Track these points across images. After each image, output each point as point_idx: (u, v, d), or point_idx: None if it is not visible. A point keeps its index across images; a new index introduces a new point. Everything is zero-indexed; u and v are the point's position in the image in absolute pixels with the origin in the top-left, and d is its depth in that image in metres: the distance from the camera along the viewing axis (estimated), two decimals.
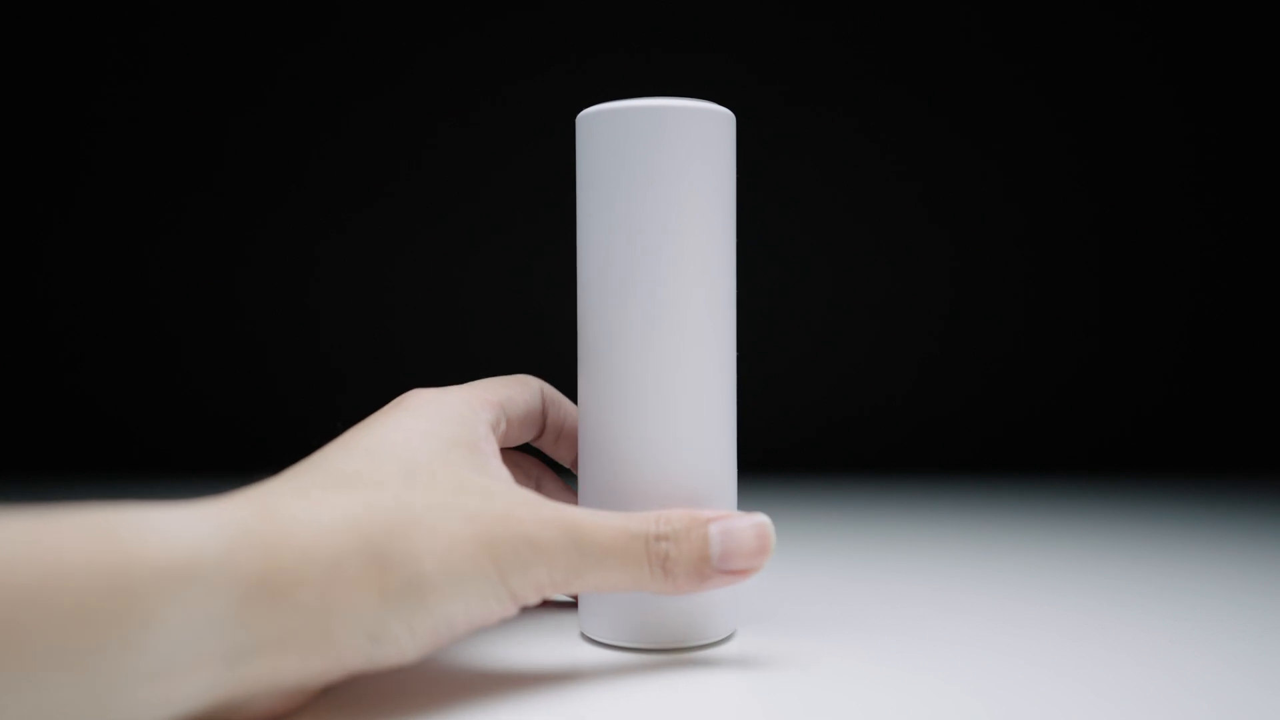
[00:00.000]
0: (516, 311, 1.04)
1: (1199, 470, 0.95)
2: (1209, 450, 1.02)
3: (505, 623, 0.36)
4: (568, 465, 0.36)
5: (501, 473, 0.29)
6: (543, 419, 0.35)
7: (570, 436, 0.36)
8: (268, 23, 1.03)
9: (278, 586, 0.22)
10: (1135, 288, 1.04)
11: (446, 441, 0.28)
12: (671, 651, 0.32)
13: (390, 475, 0.26)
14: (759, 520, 0.29)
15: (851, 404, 1.03)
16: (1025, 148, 1.03)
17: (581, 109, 1.04)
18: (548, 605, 0.39)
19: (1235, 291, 1.04)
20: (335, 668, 0.24)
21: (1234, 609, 0.38)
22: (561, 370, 1.02)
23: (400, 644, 0.25)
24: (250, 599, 0.22)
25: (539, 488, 0.37)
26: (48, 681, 0.18)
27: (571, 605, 0.39)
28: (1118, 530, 0.59)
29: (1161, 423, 1.03)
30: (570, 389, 1.02)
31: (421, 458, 0.27)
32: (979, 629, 0.35)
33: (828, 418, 1.02)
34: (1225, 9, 1.02)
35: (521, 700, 0.27)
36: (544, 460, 1.09)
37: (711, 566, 0.29)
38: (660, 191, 0.31)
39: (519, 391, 0.34)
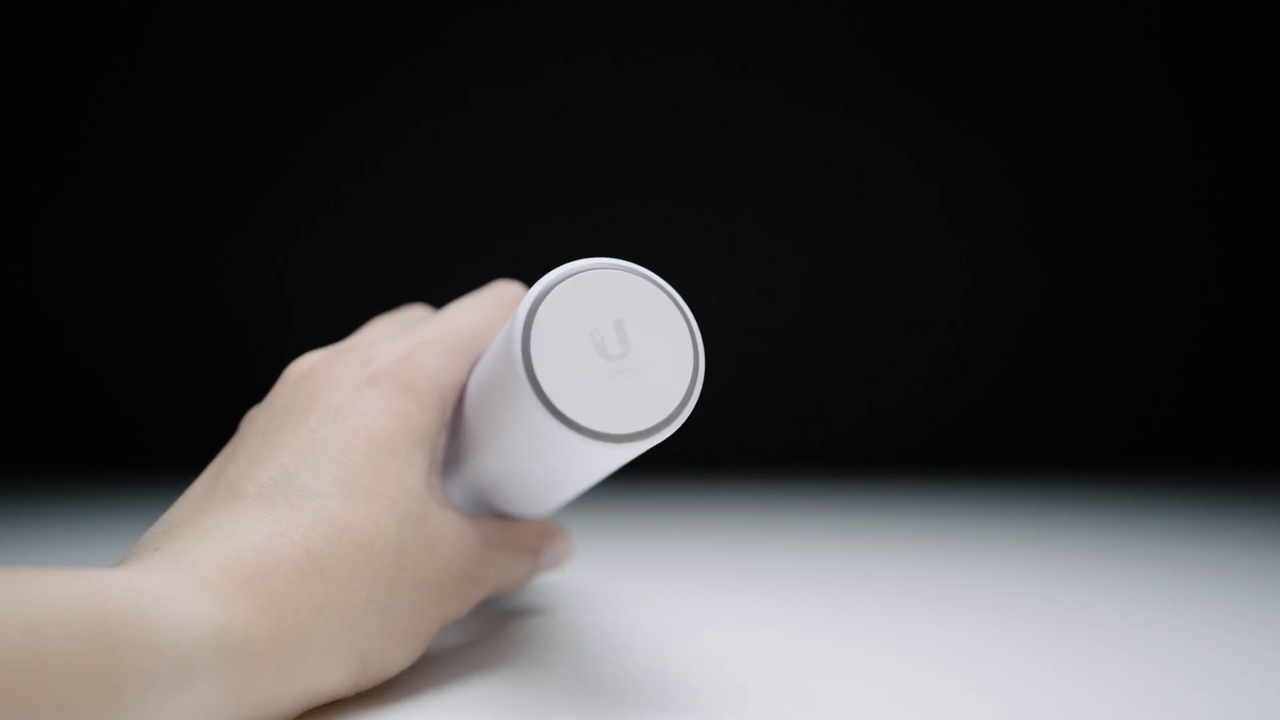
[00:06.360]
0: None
1: (1202, 471, 0.95)
2: (1210, 452, 1.02)
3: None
4: None
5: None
6: None
7: None
8: (259, 21, 1.03)
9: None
10: (1137, 289, 1.04)
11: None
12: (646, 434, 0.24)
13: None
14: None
15: (852, 407, 1.02)
16: (1025, 148, 1.03)
17: (581, 109, 1.04)
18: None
19: (1239, 292, 1.04)
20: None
21: (1236, 609, 0.38)
22: None
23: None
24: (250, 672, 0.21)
25: None
26: None
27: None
28: (1121, 531, 0.59)
29: (1164, 424, 1.03)
30: None
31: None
32: (980, 629, 0.35)
33: (829, 421, 1.02)
34: (1225, 9, 1.02)
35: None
36: None
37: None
38: None
39: None
